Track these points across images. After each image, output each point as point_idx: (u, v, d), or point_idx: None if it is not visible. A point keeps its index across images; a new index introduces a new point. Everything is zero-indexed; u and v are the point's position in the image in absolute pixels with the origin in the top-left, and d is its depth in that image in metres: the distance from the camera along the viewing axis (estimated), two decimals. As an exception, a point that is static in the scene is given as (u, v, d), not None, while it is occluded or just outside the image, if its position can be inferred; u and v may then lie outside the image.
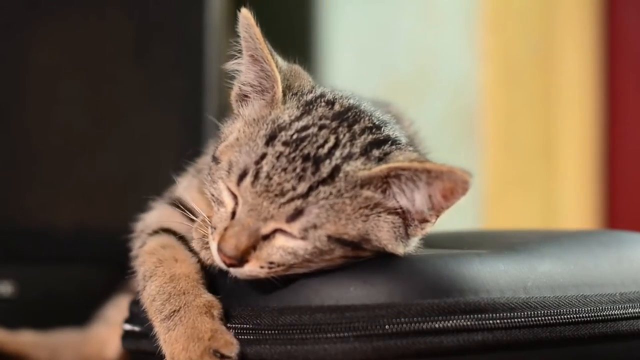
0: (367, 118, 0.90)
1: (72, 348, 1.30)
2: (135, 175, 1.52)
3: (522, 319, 0.85)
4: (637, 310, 0.92)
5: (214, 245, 0.86)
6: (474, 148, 2.24)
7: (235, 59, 0.93)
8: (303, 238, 0.84)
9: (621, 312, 0.91)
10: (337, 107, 0.90)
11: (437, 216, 0.87)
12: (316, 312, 0.84)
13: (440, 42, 2.26)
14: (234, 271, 0.86)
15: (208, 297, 0.89)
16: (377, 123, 0.90)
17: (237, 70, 0.94)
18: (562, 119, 2.32)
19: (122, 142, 1.57)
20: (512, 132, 2.28)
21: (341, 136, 0.87)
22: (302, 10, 2.25)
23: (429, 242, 1.01)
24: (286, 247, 0.84)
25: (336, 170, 0.84)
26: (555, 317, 0.87)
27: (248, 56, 0.91)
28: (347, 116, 0.89)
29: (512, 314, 0.85)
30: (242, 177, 0.85)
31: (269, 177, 0.84)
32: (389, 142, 0.89)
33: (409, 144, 0.93)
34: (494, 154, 2.25)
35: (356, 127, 0.88)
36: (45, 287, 1.50)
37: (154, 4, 1.59)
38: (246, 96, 0.93)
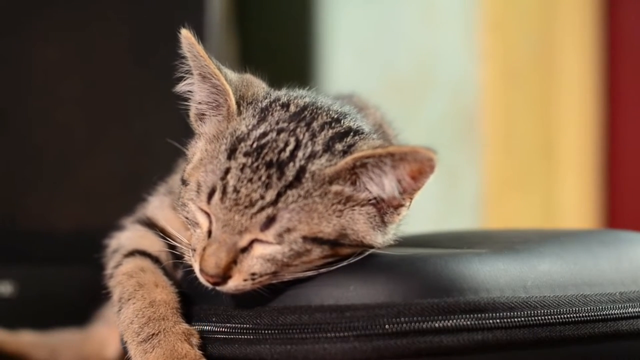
0: (324, 113, 0.90)
1: (72, 348, 1.30)
2: (135, 175, 1.52)
3: (522, 319, 0.85)
4: (637, 310, 0.92)
5: (196, 267, 0.86)
6: (474, 148, 2.24)
7: (185, 80, 0.93)
8: (279, 243, 0.84)
9: (621, 311, 0.91)
10: (292, 108, 0.90)
11: (411, 199, 0.87)
12: (316, 312, 0.84)
13: (440, 42, 2.25)
14: (220, 289, 0.86)
15: (187, 326, 0.89)
16: (335, 116, 0.90)
17: (189, 91, 0.93)
18: (562, 119, 2.32)
19: (122, 143, 1.57)
20: (512, 132, 2.28)
21: (301, 136, 0.86)
22: (302, 10, 2.25)
23: (429, 241, 1.01)
24: (264, 255, 0.84)
25: (301, 171, 0.84)
26: (555, 316, 0.87)
27: (197, 75, 0.91)
28: (304, 115, 0.89)
29: (512, 313, 0.85)
30: (211, 195, 0.85)
31: (236, 190, 0.84)
32: (351, 133, 0.88)
33: (373, 132, 0.93)
34: (494, 154, 2.25)
35: (315, 125, 0.88)
36: (45, 287, 1.50)
37: (154, 4, 1.59)
38: (204, 114, 0.93)
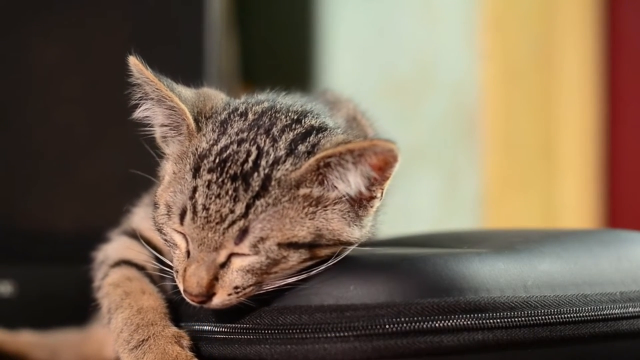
0: (283, 116, 0.89)
1: (72, 348, 1.30)
2: (135, 175, 1.52)
3: (522, 318, 0.85)
4: (637, 310, 0.92)
5: (181, 287, 0.86)
6: (474, 148, 2.24)
7: (141, 106, 0.92)
8: (255, 253, 0.84)
9: (621, 311, 0.91)
10: (250, 116, 0.89)
11: (382, 189, 0.86)
12: (316, 312, 0.84)
13: (440, 42, 2.26)
14: (207, 306, 0.86)
15: (176, 329, 0.89)
16: (295, 117, 0.89)
17: (147, 117, 0.93)
18: (562, 119, 2.32)
19: (122, 143, 1.57)
20: (512, 132, 2.28)
21: (262, 144, 0.86)
22: (303, 10, 2.25)
23: (429, 241, 1.01)
24: (243, 267, 0.84)
25: (267, 180, 0.84)
26: (556, 316, 0.87)
27: (151, 99, 0.91)
28: (262, 122, 0.88)
29: (512, 313, 0.85)
30: (182, 216, 0.85)
31: (205, 208, 0.83)
32: (314, 132, 0.88)
33: (339, 126, 0.92)
34: (494, 154, 2.25)
35: (274, 130, 0.87)
36: (45, 287, 1.50)
37: (154, 4, 1.59)
38: (166, 136, 0.93)
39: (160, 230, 0.89)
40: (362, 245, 0.97)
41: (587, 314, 0.89)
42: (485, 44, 2.23)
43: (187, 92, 0.93)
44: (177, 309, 0.92)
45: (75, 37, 1.57)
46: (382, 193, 0.87)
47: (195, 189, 0.84)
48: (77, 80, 1.56)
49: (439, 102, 2.24)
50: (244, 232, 0.83)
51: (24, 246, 1.53)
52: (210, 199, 0.83)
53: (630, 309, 0.92)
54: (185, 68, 1.58)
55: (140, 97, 0.91)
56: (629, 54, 2.40)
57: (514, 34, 2.27)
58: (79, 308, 1.30)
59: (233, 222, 0.83)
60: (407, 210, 2.19)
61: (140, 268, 0.96)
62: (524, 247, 0.94)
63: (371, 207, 0.88)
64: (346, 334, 0.83)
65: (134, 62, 0.90)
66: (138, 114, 0.92)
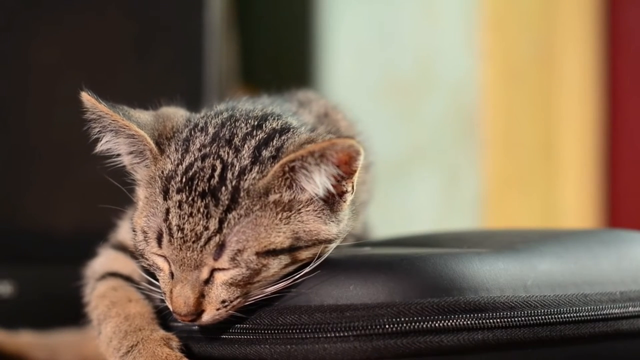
0: (243, 124, 0.89)
1: (72, 348, 1.30)
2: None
3: (522, 318, 0.85)
4: (637, 309, 0.92)
5: (171, 309, 0.86)
6: (474, 148, 2.24)
7: (102, 140, 0.92)
8: (235, 266, 0.84)
9: (621, 310, 0.91)
10: (210, 129, 0.89)
11: (352, 183, 0.86)
12: (316, 312, 0.84)
13: (440, 42, 2.26)
14: (199, 324, 0.86)
15: (164, 332, 0.90)
16: (256, 123, 0.89)
17: (110, 149, 0.92)
18: (562, 118, 2.32)
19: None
20: (512, 132, 2.28)
21: (225, 156, 0.86)
22: (303, 10, 2.26)
23: (429, 241, 1.01)
24: (226, 281, 0.84)
25: (235, 192, 0.84)
26: (556, 316, 0.87)
27: (111, 131, 0.90)
28: (223, 133, 0.88)
29: (512, 312, 0.85)
30: (159, 239, 0.85)
31: (180, 228, 0.84)
32: (276, 135, 0.87)
33: (303, 124, 0.92)
34: (494, 154, 2.25)
35: (236, 140, 0.87)
36: (45, 287, 1.50)
37: (154, 4, 1.59)
38: (133, 163, 0.92)
39: (142, 256, 0.89)
40: (358, 241, 0.97)
41: (587, 313, 0.89)
42: (485, 44, 2.23)
43: (145, 116, 0.92)
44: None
45: (75, 37, 1.57)
46: (352, 186, 0.87)
47: (167, 211, 0.84)
48: (77, 80, 1.56)
49: (439, 102, 2.24)
50: (221, 247, 0.83)
51: (24, 246, 1.53)
52: (184, 218, 0.83)
53: (631, 309, 0.92)
54: (185, 68, 1.59)
55: (99, 130, 0.91)
56: (629, 54, 2.40)
57: (514, 34, 2.27)
58: (79, 308, 1.30)
59: (209, 239, 0.83)
60: (407, 210, 2.19)
61: (126, 278, 0.97)
62: (524, 247, 0.94)
63: (344, 201, 0.87)
64: (346, 334, 0.83)
65: (87, 98, 0.90)
66: (101, 147, 0.92)
